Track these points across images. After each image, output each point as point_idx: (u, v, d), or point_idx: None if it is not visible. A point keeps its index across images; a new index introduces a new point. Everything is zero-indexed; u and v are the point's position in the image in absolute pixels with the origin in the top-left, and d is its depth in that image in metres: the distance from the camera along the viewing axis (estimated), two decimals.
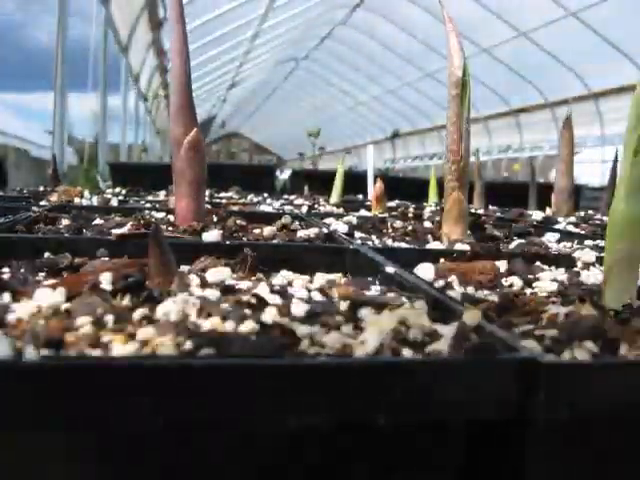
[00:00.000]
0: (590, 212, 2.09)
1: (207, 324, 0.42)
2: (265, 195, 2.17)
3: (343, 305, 0.50)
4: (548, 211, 1.82)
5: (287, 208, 1.59)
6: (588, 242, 1.10)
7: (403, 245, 0.98)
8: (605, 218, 1.60)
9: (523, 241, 1.06)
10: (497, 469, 0.40)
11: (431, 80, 13.12)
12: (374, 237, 1.04)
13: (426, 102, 14.27)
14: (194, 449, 0.36)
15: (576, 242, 1.10)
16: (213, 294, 0.51)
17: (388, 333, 0.39)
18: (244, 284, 0.57)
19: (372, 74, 15.26)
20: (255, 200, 1.91)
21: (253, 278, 0.66)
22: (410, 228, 1.16)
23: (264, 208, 1.57)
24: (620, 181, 0.61)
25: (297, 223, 1.06)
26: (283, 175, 3.58)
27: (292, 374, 0.34)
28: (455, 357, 0.37)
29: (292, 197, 2.20)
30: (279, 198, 2.11)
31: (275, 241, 0.91)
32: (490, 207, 2.20)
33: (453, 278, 0.65)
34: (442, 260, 0.79)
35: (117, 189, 2.18)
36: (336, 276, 0.68)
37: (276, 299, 0.50)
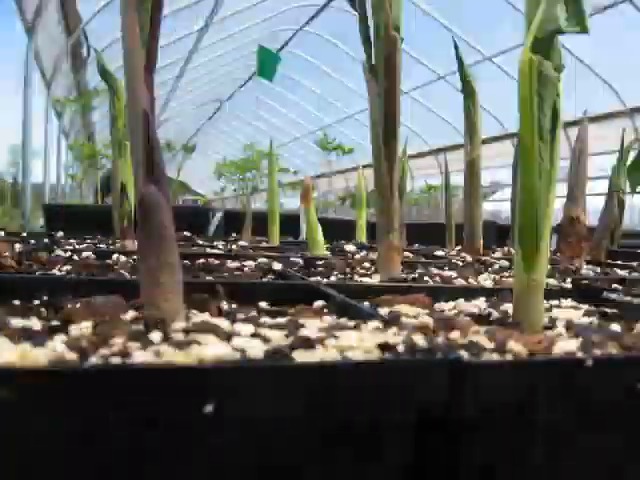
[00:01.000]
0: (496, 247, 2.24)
1: None
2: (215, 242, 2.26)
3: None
4: (459, 248, 1.98)
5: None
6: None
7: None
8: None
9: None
10: (435, 452, 0.53)
11: (352, 121, 13.55)
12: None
13: (351, 143, 14.66)
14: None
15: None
16: None
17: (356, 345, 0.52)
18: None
19: (294, 116, 15.61)
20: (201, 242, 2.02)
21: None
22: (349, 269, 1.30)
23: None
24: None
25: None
26: (216, 216, 3.68)
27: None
28: (408, 357, 0.50)
29: (231, 238, 2.31)
30: (225, 241, 2.19)
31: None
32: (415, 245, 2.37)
33: (396, 307, 0.79)
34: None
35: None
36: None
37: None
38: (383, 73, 1.10)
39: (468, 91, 1.75)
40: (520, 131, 0.74)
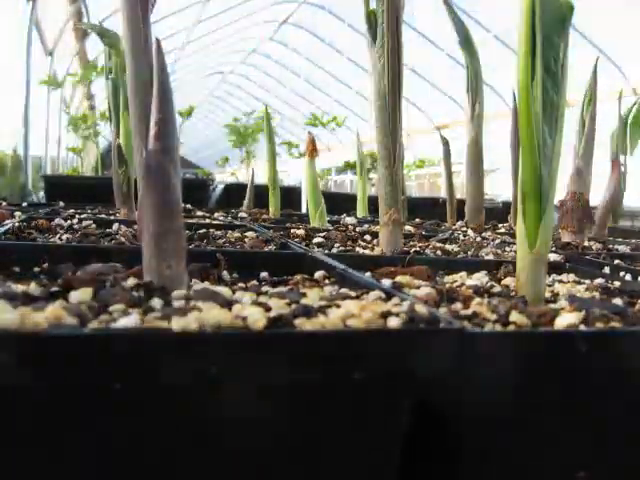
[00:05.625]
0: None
1: None
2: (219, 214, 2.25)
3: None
4: (460, 223, 1.97)
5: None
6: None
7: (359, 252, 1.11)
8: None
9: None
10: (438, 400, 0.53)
11: (358, 97, 13.44)
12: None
13: (352, 118, 14.59)
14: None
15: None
16: None
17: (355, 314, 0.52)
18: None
19: (299, 90, 15.49)
20: (200, 214, 2.01)
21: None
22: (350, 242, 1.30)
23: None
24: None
25: None
26: (217, 189, 3.66)
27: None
28: (411, 327, 0.50)
29: (232, 210, 2.30)
30: (225, 212, 2.17)
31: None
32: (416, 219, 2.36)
33: (398, 278, 0.79)
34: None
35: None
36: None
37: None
38: (385, 23, 1.07)
39: (466, 42, 1.70)
40: (518, 63, 0.67)
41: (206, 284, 0.72)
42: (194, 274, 0.76)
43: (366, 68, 11.18)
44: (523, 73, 0.67)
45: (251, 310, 0.52)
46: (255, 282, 0.77)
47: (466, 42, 1.70)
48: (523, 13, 0.66)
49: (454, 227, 1.89)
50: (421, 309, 0.53)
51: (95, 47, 8.95)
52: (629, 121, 2.06)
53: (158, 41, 0.64)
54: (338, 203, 2.82)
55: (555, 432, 0.56)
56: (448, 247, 1.25)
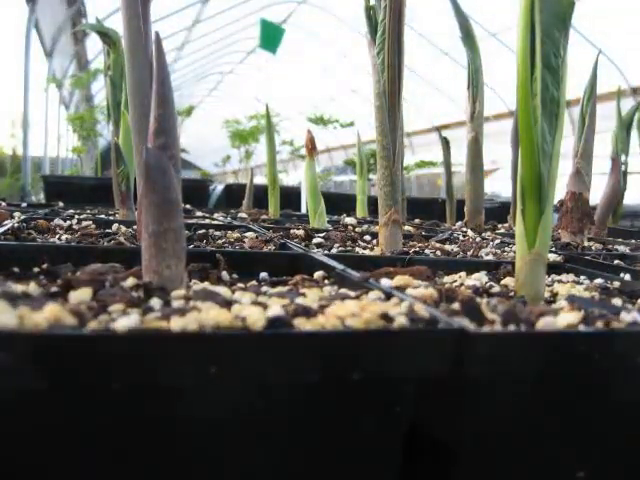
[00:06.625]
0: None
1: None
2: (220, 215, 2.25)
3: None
4: (460, 223, 1.96)
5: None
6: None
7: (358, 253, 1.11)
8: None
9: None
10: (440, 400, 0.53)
11: (355, 95, 13.45)
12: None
13: (352, 118, 14.55)
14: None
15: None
16: None
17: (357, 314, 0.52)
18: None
19: (299, 90, 15.49)
20: (199, 214, 2.01)
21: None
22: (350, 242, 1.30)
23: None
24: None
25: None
26: (217, 190, 3.66)
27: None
28: (410, 327, 0.50)
29: (232, 211, 2.30)
30: (225, 213, 2.18)
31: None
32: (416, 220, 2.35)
33: (397, 278, 0.79)
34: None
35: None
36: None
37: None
38: (387, 19, 1.05)
39: (467, 37, 1.70)
40: (518, 58, 0.67)
41: (205, 284, 0.72)
42: (194, 274, 0.76)
43: (366, 69, 11.17)
44: (522, 68, 0.67)
45: (250, 310, 0.52)
46: (254, 282, 0.77)
47: (468, 37, 1.70)
48: (522, 6, 0.66)
49: (454, 227, 1.89)
50: (420, 309, 0.53)
51: (95, 47, 8.96)
52: (634, 120, 2.06)
53: (158, 36, 0.64)
54: (338, 203, 2.81)
55: (555, 432, 0.56)
56: (447, 247, 1.25)
